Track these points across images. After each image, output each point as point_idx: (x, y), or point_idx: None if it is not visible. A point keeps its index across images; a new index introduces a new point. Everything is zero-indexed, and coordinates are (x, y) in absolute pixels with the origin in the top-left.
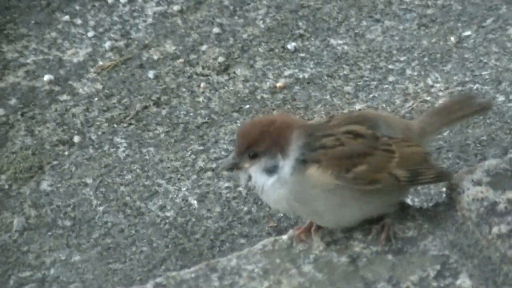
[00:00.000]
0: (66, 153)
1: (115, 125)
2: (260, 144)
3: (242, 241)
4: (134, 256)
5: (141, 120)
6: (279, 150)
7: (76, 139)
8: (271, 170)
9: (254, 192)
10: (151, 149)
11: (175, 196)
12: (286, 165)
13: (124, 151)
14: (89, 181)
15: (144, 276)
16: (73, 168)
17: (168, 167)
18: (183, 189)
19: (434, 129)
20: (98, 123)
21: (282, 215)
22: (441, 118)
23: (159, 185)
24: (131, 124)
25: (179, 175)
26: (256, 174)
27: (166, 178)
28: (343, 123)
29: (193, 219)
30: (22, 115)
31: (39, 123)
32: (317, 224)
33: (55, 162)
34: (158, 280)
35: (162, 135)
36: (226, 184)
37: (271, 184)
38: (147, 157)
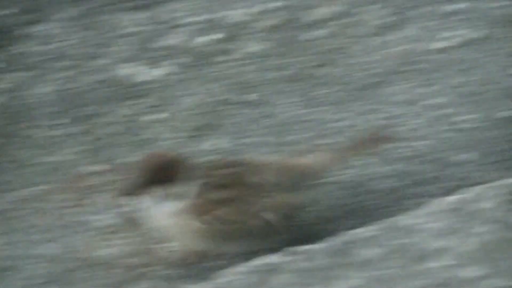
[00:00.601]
0: (233, 112)
1: (280, 86)
2: (157, 174)
3: (420, 200)
4: None
5: (304, 80)
6: (174, 179)
7: (250, 97)
8: (167, 198)
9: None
10: (325, 108)
11: None
12: (181, 193)
13: (287, 112)
14: (258, 139)
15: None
16: (245, 126)
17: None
18: None
19: (326, 166)
20: (265, 83)
21: (449, 174)
22: (332, 155)
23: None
24: (297, 83)
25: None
26: (151, 202)
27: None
28: (228, 165)
29: (375, 176)
30: (190, 73)
31: (211, 81)
32: None
33: (221, 121)
34: (341, 237)
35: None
36: (398, 144)
37: (168, 210)
38: (314, 116)
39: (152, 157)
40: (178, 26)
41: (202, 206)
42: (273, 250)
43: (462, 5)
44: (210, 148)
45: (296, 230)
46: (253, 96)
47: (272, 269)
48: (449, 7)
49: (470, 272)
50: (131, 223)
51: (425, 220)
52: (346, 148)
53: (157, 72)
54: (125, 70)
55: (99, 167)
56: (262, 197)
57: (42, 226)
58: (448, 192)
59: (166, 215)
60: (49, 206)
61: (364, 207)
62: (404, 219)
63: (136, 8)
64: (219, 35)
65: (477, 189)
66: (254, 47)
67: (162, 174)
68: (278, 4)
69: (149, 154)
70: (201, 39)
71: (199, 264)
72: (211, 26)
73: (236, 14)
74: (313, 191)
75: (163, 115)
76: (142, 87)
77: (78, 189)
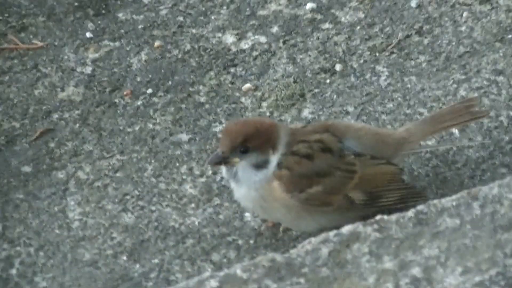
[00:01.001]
0: (328, 81)
1: (377, 54)
2: (253, 140)
3: (503, 170)
4: None
5: (403, 49)
6: (271, 146)
7: (338, 67)
8: (260, 165)
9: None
10: (413, 78)
11: None
12: (275, 160)
13: (385, 80)
14: (350, 109)
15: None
16: (335, 96)
17: (430, 96)
18: None
19: (420, 138)
20: (360, 51)
21: None
22: (431, 126)
23: (421, 114)
24: (393, 53)
25: (440, 104)
26: (244, 169)
27: (428, 107)
28: (316, 131)
29: (455, 148)
30: (284, 42)
31: (301, 51)
32: None
33: (316, 90)
34: (419, 207)
35: (424, 64)
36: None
37: (259, 179)
38: (408, 85)
39: (241, 124)
40: None
41: (290, 178)
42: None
43: None
44: (300, 116)
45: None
46: (342, 66)
47: (349, 240)
48: None
49: None
50: (217, 192)
51: (507, 190)
52: (439, 120)
53: (249, 42)
54: (218, 39)
55: (188, 136)
56: (351, 172)
57: (119, 196)
58: None
59: (253, 184)
60: (135, 175)
61: (446, 177)
62: (487, 190)
63: None
64: (312, 5)
65: None
66: (345, 17)
67: (252, 141)
68: None
69: (238, 121)
70: (294, 10)
71: (280, 234)
72: None
73: None
74: (402, 162)
75: (254, 84)
76: (234, 56)
77: (166, 157)
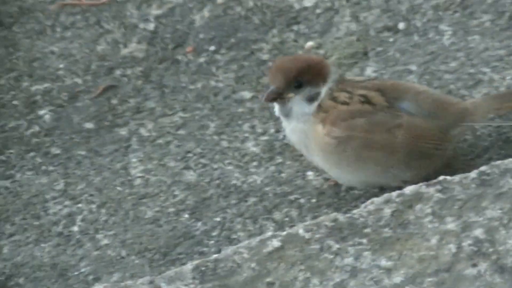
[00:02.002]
0: (391, 39)
1: (441, 13)
2: (306, 74)
3: None
4: None
5: (467, 7)
6: (322, 79)
7: (401, 25)
8: (313, 98)
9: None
10: (476, 37)
11: (499, 84)
12: (323, 92)
13: (449, 39)
14: (413, 68)
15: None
16: (398, 54)
17: (493, 56)
18: (508, 78)
19: (484, 113)
20: (423, 10)
21: None
22: (498, 103)
23: (484, 74)
24: (456, 11)
25: (503, 64)
26: (299, 103)
27: (491, 66)
28: (367, 88)
29: None
30: (347, 0)
31: (364, 9)
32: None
33: (379, 49)
34: (482, 168)
35: (487, 23)
36: None
37: (312, 112)
38: (472, 45)
39: (292, 60)
40: None
41: (329, 117)
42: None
43: None
44: (362, 74)
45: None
46: (405, 25)
47: (411, 200)
48: None
49: None
50: (279, 150)
51: None
52: (508, 98)
53: (311, 0)
54: None
55: (251, 93)
56: (395, 121)
57: (182, 154)
58: None
59: (303, 117)
60: (197, 132)
61: (509, 138)
62: None
63: None
64: None
65: None
66: None
67: (304, 75)
68: None
69: (288, 57)
70: None
71: (343, 193)
72: None
73: None
74: (461, 135)
75: (317, 42)
76: (297, 13)
77: (229, 115)
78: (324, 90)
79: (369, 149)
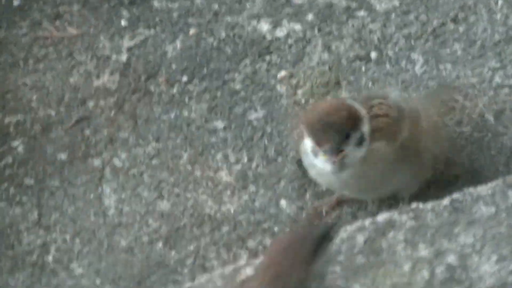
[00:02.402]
0: (363, 68)
1: (412, 41)
2: (350, 124)
3: None
4: None
5: (438, 36)
6: (360, 120)
7: (373, 55)
8: (361, 141)
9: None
10: (448, 65)
11: (472, 112)
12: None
13: (421, 67)
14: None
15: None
16: (370, 83)
17: (465, 83)
18: (480, 105)
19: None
20: (395, 39)
21: None
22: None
23: (456, 101)
24: (428, 40)
25: (476, 91)
26: (352, 153)
27: (463, 94)
28: (370, 97)
29: (489, 135)
30: (319, 30)
31: (336, 38)
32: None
33: (352, 78)
34: (455, 196)
35: (459, 52)
36: None
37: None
38: (444, 73)
39: (333, 115)
40: None
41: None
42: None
43: None
44: None
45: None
46: (377, 54)
47: (384, 228)
48: None
49: None
50: (252, 179)
51: None
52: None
53: (284, 30)
54: (253, 27)
55: (223, 123)
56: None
57: (155, 183)
58: None
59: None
60: (171, 162)
61: (481, 165)
62: None
63: None
64: None
65: None
66: (380, 4)
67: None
68: None
69: (323, 113)
70: None
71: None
72: None
73: None
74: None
75: (290, 72)
76: (269, 44)
77: (201, 145)
78: (366, 127)
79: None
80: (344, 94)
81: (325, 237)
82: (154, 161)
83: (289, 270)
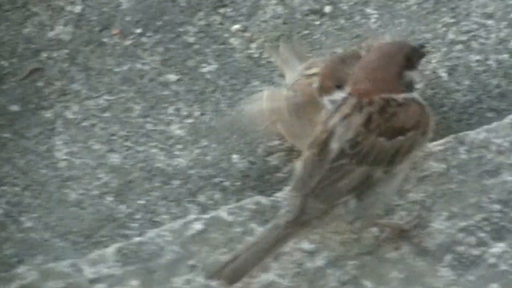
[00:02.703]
0: (317, 22)
1: None
2: None
3: (490, 115)
4: None
5: None
6: None
7: (327, 9)
8: None
9: (504, 66)
10: (403, 20)
11: (424, 68)
12: None
13: (375, 22)
14: (340, 50)
15: None
16: (323, 37)
17: (419, 39)
18: (433, 61)
19: None
20: None
21: None
22: None
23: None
24: None
25: (429, 47)
26: None
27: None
28: None
29: (442, 92)
30: None
31: None
32: None
33: (305, 32)
34: None
35: (414, 7)
36: (477, 57)
37: None
38: (398, 28)
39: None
40: None
41: None
42: None
43: None
44: None
45: None
46: (331, 8)
47: None
48: None
49: None
50: (204, 133)
51: (494, 135)
52: None
53: None
54: None
55: (176, 76)
56: None
57: (106, 136)
58: None
59: None
60: (123, 115)
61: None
62: (474, 135)
63: None
64: None
65: None
66: None
67: None
68: None
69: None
70: None
71: (263, 176)
72: None
73: None
74: None
75: (244, 25)
76: None
77: (154, 98)
78: None
79: None
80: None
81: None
82: (106, 114)
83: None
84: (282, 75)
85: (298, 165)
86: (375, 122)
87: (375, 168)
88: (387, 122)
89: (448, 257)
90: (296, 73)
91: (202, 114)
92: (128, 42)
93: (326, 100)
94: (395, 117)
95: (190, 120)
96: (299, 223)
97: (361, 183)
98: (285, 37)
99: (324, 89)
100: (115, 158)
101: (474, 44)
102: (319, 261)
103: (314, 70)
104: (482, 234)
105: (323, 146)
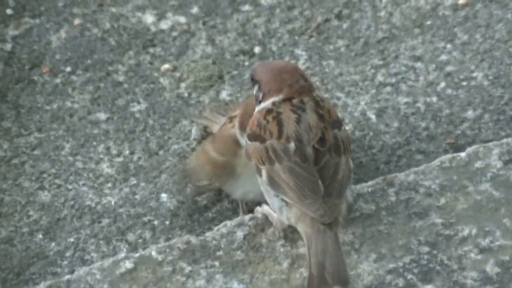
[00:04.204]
0: (247, 63)
1: (296, 37)
2: None
3: (419, 157)
4: None
5: (322, 33)
6: None
7: (257, 49)
8: None
9: (432, 108)
10: (331, 62)
11: (353, 110)
12: None
13: (304, 63)
14: None
15: None
16: None
17: (348, 81)
18: (362, 103)
19: None
20: (279, 34)
21: (460, 132)
22: None
23: (338, 98)
24: (312, 36)
25: (358, 89)
26: None
27: (345, 91)
28: None
29: (371, 133)
30: (203, 24)
31: (221, 32)
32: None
33: (235, 72)
34: None
35: (342, 49)
36: (405, 100)
37: None
38: (327, 69)
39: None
40: None
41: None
42: None
43: None
44: (218, 98)
45: None
46: (260, 49)
47: (264, 224)
48: None
49: (460, 231)
50: (133, 172)
51: (423, 177)
52: None
53: (169, 22)
54: (137, 19)
55: (106, 115)
56: None
57: (36, 174)
58: (451, 149)
59: None
60: (52, 153)
61: (362, 162)
62: (402, 177)
63: None
64: None
65: (481, 146)
66: None
67: None
68: None
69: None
70: None
71: (196, 216)
72: None
73: None
74: None
75: (173, 65)
76: (154, 36)
77: (84, 136)
78: None
79: None
80: (227, 88)
81: None
82: (36, 152)
83: None
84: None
85: (283, 176)
86: (324, 116)
87: (347, 156)
88: (329, 116)
89: None
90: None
91: (131, 153)
92: (58, 80)
93: (245, 136)
94: (332, 111)
95: (119, 159)
96: (334, 223)
97: (349, 171)
98: (216, 77)
99: (243, 127)
100: (44, 196)
101: (403, 87)
102: None
103: (235, 113)
104: (410, 276)
105: (301, 154)
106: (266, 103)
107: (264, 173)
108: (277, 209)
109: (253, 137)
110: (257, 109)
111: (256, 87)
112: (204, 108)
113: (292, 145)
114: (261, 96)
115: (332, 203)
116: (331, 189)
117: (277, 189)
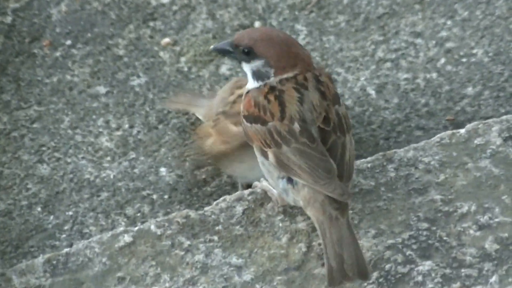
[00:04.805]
0: None
1: (297, 12)
2: None
3: (419, 133)
4: None
5: (323, 8)
6: None
7: (257, 24)
8: None
9: (432, 85)
10: (331, 37)
11: (353, 85)
12: None
13: (304, 38)
14: None
15: None
16: None
17: (348, 56)
18: (362, 78)
19: None
20: (279, 9)
21: (460, 108)
22: None
23: (338, 74)
24: (312, 12)
25: (358, 65)
26: None
27: (345, 67)
28: None
29: (371, 109)
30: None
31: (221, 7)
32: None
33: None
34: None
35: (342, 24)
36: (405, 76)
37: None
38: (327, 45)
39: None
40: None
41: None
42: None
43: None
44: (217, 72)
45: None
46: (261, 24)
47: (263, 198)
48: None
49: (459, 207)
50: (133, 146)
51: (422, 153)
52: None
53: None
54: None
55: (106, 88)
56: None
57: (36, 147)
58: (451, 126)
59: None
60: (52, 126)
61: (362, 138)
62: (402, 153)
63: None
64: None
65: (480, 123)
66: None
67: None
68: None
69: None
70: None
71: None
72: None
73: None
74: None
75: (173, 39)
76: (154, 10)
77: (83, 110)
78: None
79: None
80: (227, 62)
81: None
82: (36, 125)
83: None
84: (210, 90)
85: (294, 159)
86: (326, 93)
87: (350, 134)
88: (329, 91)
89: (374, 274)
90: (217, 101)
91: (131, 127)
92: (58, 54)
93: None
94: (329, 85)
95: (119, 133)
96: (345, 207)
97: (354, 151)
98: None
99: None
100: (44, 169)
101: (403, 63)
102: (247, 276)
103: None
104: (409, 252)
105: (307, 134)
106: (272, 80)
107: (271, 155)
108: (282, 192)
109: (251, 119)
110: (251, 86)
111: (259, 63)
112: (176, 93)
113: (296, 125)
114: (272, 73)
115: (345, 184)
116: (341, 171)
117: (288, 171)
